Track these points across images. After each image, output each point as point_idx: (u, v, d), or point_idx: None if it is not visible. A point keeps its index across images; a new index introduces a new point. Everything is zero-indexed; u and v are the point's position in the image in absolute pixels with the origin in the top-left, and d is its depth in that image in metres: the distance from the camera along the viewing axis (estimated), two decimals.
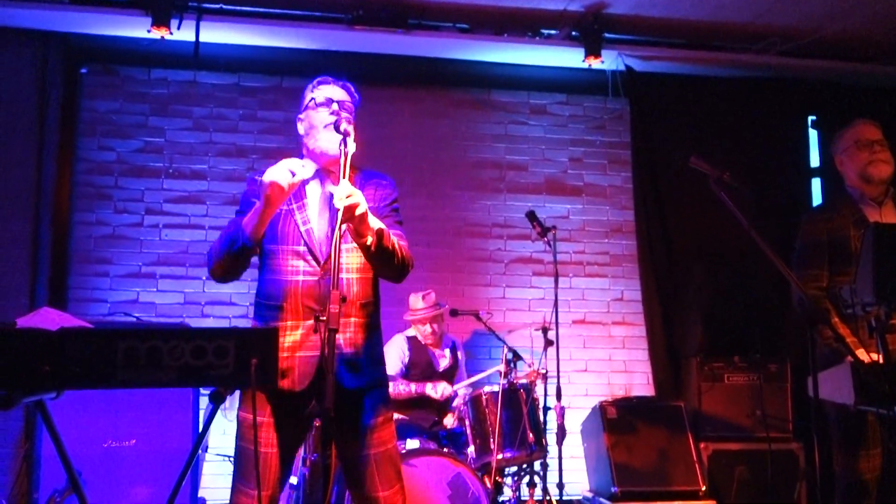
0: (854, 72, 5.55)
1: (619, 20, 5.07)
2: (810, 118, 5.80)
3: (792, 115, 5.74)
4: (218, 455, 4.50)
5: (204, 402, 4.28)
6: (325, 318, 2.04)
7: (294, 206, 2.44)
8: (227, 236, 2.38)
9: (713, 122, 5.57)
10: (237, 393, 4.31)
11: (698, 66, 5.52)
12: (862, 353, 2.82)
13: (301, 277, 2.39)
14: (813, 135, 5.79)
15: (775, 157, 5.61)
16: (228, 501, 2.45)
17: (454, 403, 4.56)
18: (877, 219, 3.10)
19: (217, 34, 4.95)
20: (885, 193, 3.21)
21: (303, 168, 2.32)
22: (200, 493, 4.45)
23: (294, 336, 2.36)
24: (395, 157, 5.28)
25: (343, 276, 2.41)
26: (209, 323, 5.11)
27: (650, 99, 5.54)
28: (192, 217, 5.22)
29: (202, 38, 4.89)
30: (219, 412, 4.81)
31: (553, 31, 5.19)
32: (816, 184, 5.73)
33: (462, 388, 4.68)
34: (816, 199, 5.70)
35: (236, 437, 2.46)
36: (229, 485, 4.55)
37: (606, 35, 5.14)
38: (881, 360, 2.54)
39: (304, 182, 2.42)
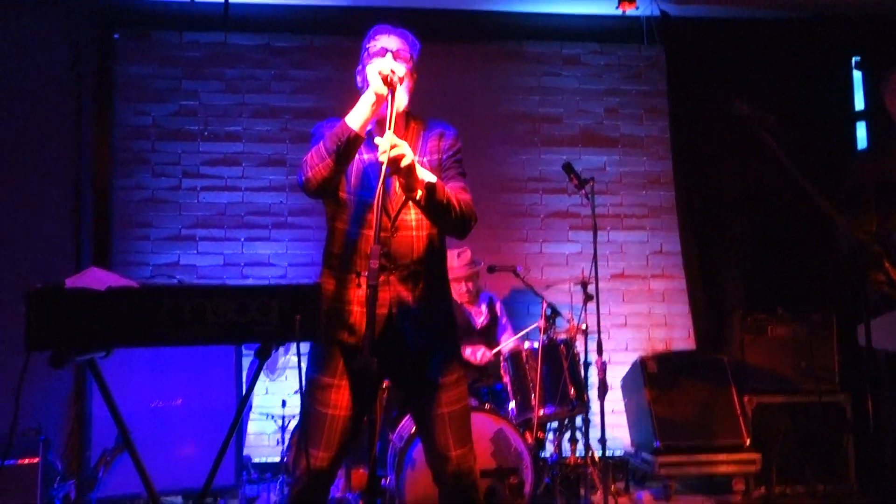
0: None
1: None
2: (854, 59, 5.58)
3: (835, 56, 5.54)
4: (261, 414, 4.58)
5: (246, 362, 4.34)
6: (366, 273, 2.02)
7: (367, 156, 2.38)
8: (328, 138, 2.27)
9: (752, 66, 5.39)
10: (279, 354, 4.38)
11: (735, 9, 5.34)
12: None
13: (372, 230, 2.30)
14: (857, 76, 5.59)
15: (818, 100, 5.43)
16: (293, 458, 2.43)
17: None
18: None
19: None
20: None
21: (368, 131, 2.29)
22: (245, 452, 4.54)
23: (362, 290, 2.31)
24: (425, 113, 5.20)
25: (413, 233, 2.37)
26: (248, 283, 5.16)
27: (686, 45, 5.39)
28: (228, 179, 5.25)
29: None
30: (262, 372, 4.90)
31: None
32: (861, 128, 5.54)
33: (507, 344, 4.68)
34: (861, 143, 5.51)
35: (303, 397, 2.35)
36: (272, 443, 4.72)
37: None
38: None
39: (374, 135, 2.36)
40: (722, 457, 4.45)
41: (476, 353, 4.52)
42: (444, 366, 2.40)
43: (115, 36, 5.18)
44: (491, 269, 4.59)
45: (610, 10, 5.12)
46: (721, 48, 5.41)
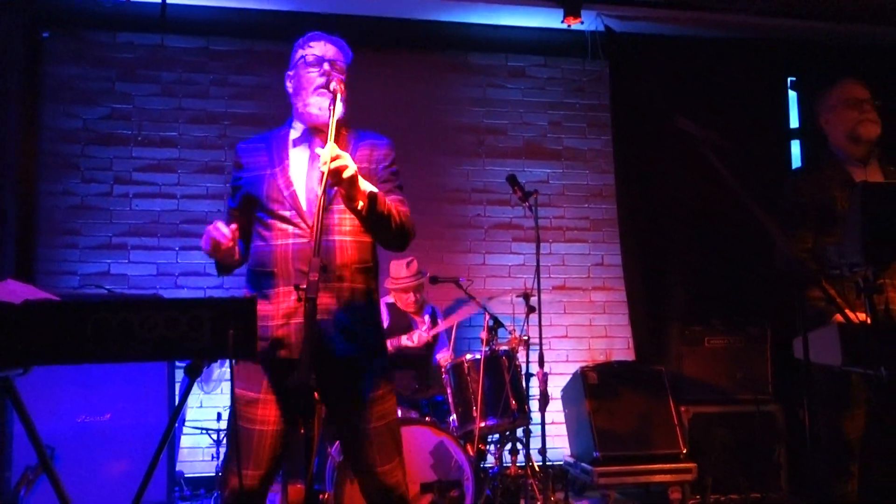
0: (833, 32, 5.50)
1: None
2: (789, 79, 5.75)
3: (771, 77, 5.69)
4: (195, 428, 4.43)
5: (180, 374, 4.20)
6: (304, 287, 1.95)
7: (277, 168, 2.34)
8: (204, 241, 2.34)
9: (693, 83, 5.50)
10: (214, 366, 4.25)
11: (677, 27, 5.44)
12: (850, 314, 2.79)
13: (291, 241, 2.28)
14: (792, 96, 5.75)
15: (755, 118, 5.56)
16: (222, 478, 2.36)
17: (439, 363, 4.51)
18: (863, 178, 3.06)
19: None
20: (869, 154, 3.16)
21: (298, 139, 2.33)
22: (178, 467, 4.39)
23: (288, 302, 2.26)
24: (370, 122, 5.09)
25: (337, 238, 2.32)
26: (183, 294, 5.01)
27: (629, 60, 5.46)
28: (163, 186, 5.09)
29: (169, 0, 4.73)
30: (195, 385, 4.74)
31: None
32: (795, 146, 5.70)
33: (440, 352, 4.65)
34: (796, 161, 5.67)
35: (230, 414, 2.33)
36: (206, 458, 4.58)
37: None
38: (868, 321, 2.51)
39: (291, 143, 2.37)
40: (659, 466, 4.47)
41: (413, 336, 4.47)
42: (372, 379, 2.34)
43: (45, 35, 4.98)
44: (434, 280, 4.55)
45: (555, 23, 5.16)
46: (663, 64, 5.50)
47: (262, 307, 2.28)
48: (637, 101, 5.43)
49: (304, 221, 2.29)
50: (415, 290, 4.63)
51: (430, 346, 4.67)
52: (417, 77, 5.45)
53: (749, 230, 4.98)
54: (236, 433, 2.27)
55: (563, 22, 5.04)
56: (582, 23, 5.08)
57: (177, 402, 4.30)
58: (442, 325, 4.61)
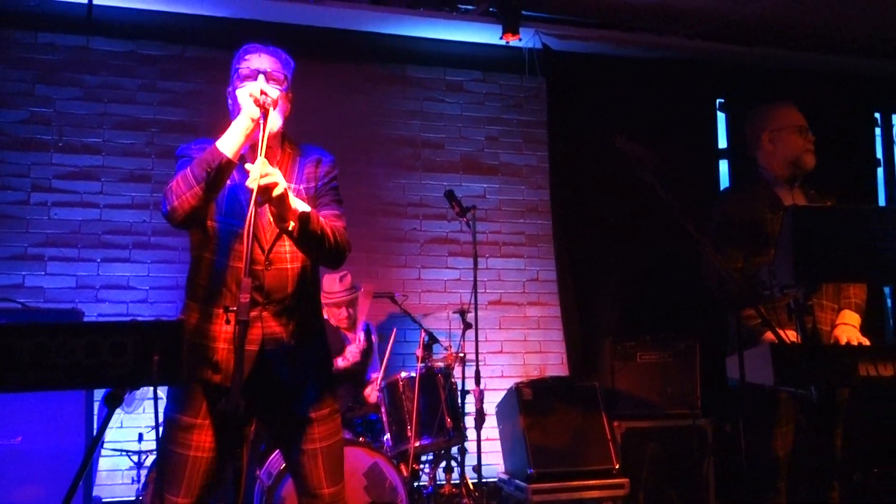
0: (758, 55, 5.67)
1: None
2: (718, 101, 5.89)
3: (701, 98, 5.82)
4: (115, 450, 4.24)
5: (100, 393, 4.01)
6: (234, 308, 1.87)
7: (238, 182, 2.23)
8: (196, 164, 2.11)
9: (627, 102, 5.57)
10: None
11: (613, 47, 5.52)
12: (782, 334, 2.84)
13: (241, 263, 2.15)
14: (721, 117, 5.89)
15: (685, 138, 5.67)
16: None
17: (371, 384, 4.44)
18: (790, 202, 3.13)
19: None
20: (797, 177, 3.24)
21: (241, 156, 2.15)
22: (95, 492, 4.19)
23: (229, 326, 2.16)
24: (306, 134, 4.96)
25: (289, 266, 2.24)
26: (104, 308, 4.79)
27: (566, 78, 5.51)
28: (85, 195, 4.87)
29: (96, 1, 4.55)
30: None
31: (470, 7, 5.09)
32: (724, 166, 5.84)
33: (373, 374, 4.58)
34: (724, 180, 5.81)
35: (162, 438, 2.22)
36: (126, 481, 4.39)
37: (524, 12, 5.06)
38: (799, 341, 2.56)
39: (246, 160, 2.22)
40: (592, 482, 4.48)
41: (346, 355, 4.40)
42: (317, 400, 2.29)
43: None
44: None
45: (494, 39, 5.17)
46: (599, 83, 5.56)
47: (205, 326, 2.19)
48: (573, 119, 5.48)
49: (260, 244, 2.21)
50: (347, 305, 4.55)
51: (365, 364, 4.58)
52: (355, 88, 5.38)
53: (679, 247, 5.06)
54: (168, 458, 2.18)
55: (501, 38, 5.04)
56: (520, 40, 5.09)
57: (95, 424, 4.11)
58: (379, 362, 4.50)
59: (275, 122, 2.17)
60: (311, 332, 2.32)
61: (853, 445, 3.30)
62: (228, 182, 2.19)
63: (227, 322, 2.12)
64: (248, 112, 2.11)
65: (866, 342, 2.94)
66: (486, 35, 5.22)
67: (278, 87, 2.28)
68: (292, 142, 2.40)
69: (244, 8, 4.82)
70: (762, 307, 2.94)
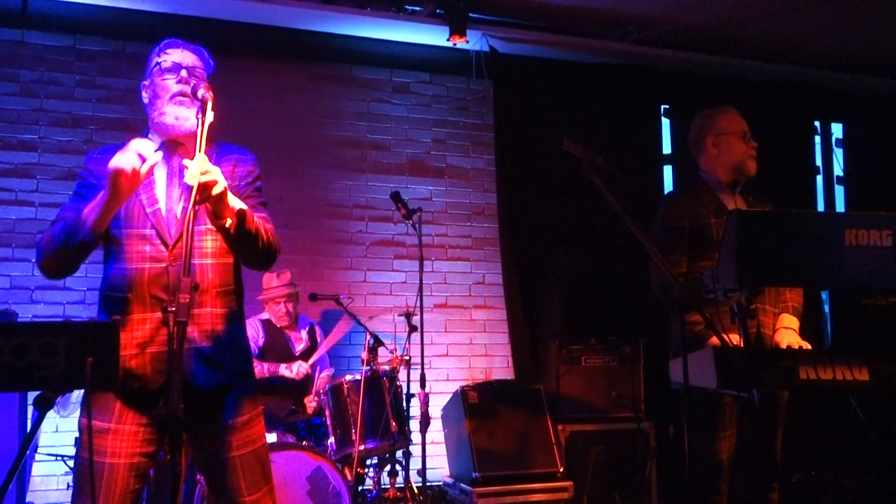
0: (703, 63, 5.79)
1: (484, 0, 5.00)
2: (663, 107, 5.99)
3: (646, 103, 5.91)
4: (49, 455, 4.10)
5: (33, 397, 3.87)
6: (173, 308, 1.81)
7: (143, 186, 2.14)
8: (63, 228, 2.07)
9: (573, 106, 5.63)
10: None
11: (560, 51, 5.57)
12: (725, 338, 2.88)
13: (147, 265, 2.11)
14: (665, 123, 5.98)
15: (630, 142, 5.74)
16: None
17: (315, 385, 4.39)
18: (733, 206, 3.17)
19: None
20: (738, 182, 3.29)
21: (155, 152, 2.05)
22: (29, 498, 4.05)
23: (143, 330, 2.09)
24: (250, 133, 4.97)
25: (196, 261, 2.16)
26: (39, 310, 4.63)
27: (513, 81, 5.53)
28: (20, 192, 4.71)
29: None
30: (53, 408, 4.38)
31: (417, 8, 5.08)
32: (668, 171, 5.94)
33: (323, 373, 4.54)
34: (668, 185, 5.90)
35: (77, 447, 2.14)
36: (62, 486, 4.24)
37: (471, 15, 5.07)
38: (742, 345, 2.59)
39: (167, 157, 2.18)
40: (537, 485, 4.50)
41: (292, 367, 4.36)
42: (235, 405, 2.21)
43: None
44: (313, 298, 4.42)
45: (441, 41, 5.16)
46: (546, 86, 5.60)
47: None
48: (520, 122, 5.51)
49: (164, 242, 2.14)
50: (286, 301, 4.51)
51: (308, 375, 4.53)
52: (300, 88, 5.31)
53: (625, 250, 5.15)
54: (82, 468, 2.08)
55: (448, 40, 5.04)
56: (467, 42, 5.10)
57: (27, 433, 3.96)
58: (321, 349, 4.50)
59: (211, 115, 2.08)
60: (231, 333, 2.23)
61: (792, 447, 3.36)
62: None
63: (166, 324, 2.04)
64: (111, 184, 1.98)
65: (807, 345, 2.99)
66: (433, 37, 5.22)
67: (201, 82, 2.15)
68: (209, 139, 2.33)
69: (187, 4, 4.72)
70: (706, 311, 2.99)
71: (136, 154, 1.98)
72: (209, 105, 2.03)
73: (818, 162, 6.37)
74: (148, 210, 2.15)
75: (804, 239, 2.44)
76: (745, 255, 2.43)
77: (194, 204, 1.89)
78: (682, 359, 2.40)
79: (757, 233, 2.45)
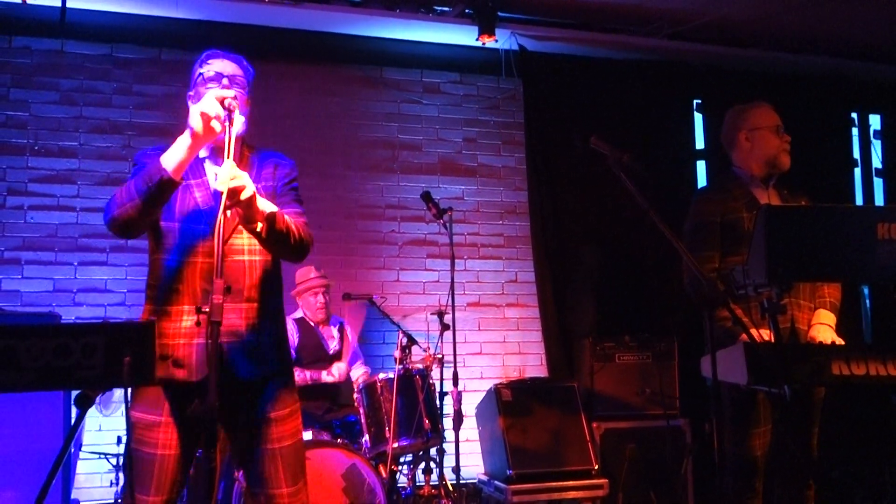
0: (735, 57, 5.72)
1: None
2: (695, 101, 5.93)
3: (678, 99, 5.86)
4: (93, 453, 4.20)
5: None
6: (207, 308, 1.87)
7: (193, 181, 2.26)
8: (140, 176, 2.13)
9: (604, 103, 5.61)
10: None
11: (589, 48, 5.55)
12: (755, 334, 2.86)
13: (200, 258, 2.20)
14: (698, 118, 5.93)
15: (662, 138, 5.71)
16: None
17: (356, 382, 4.44)
18: (766, 201, 3.15)
19: (86, 0, 4.59)
20: (772, 177, 3.26)
21: (204, 158, 2.15)
22: (74, 495, 4.14)
23: (191, 322, 2.17)
24: (282, 136, 5.05)
25: (246, 258, 2.26)
26: (82, 312, 4.76)
27: (543, 79, 5.53)
28: (62, 198, 4.84)
29: (70, 4, 4.53)
30: (93, 406, 4.49)
31: (447, 9, 5.10)
32: (701, 166, 5.89)
33: (359, 369, 4.60)
34: (701, 180, 5.85)
35: (128, 439, 2.24)
36: (105, 484, 4.35)
37: (500, 14, 5.09)
38: (773, 340, 2.58)
39: (201, 160, 2.28)
40: (571, 483, 4.50)
41: (332, 371, 4.40)
42: (276, 398, 2.29)
43: None
44: (346, 297, 4.48)
45: (470, 41, 5.18)
46: (576, 84, 5.59)
47: (163, 324, 2.20)
48: (550, 120, 5.50)
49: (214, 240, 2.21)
50: (324, 292, 4.57)
51: (343, 359, 4.59)
52: (331, 91, 5.38)
53: (657, 247, 5.13)
54: (135, 458, 2.18)
55: (477, 40, 5.06)
56: (496, 41, 5.12)
57: (69, 431, 4.06)
58: (352, 344, 4.55)
59: (239, 123, 2.17)
60: (272, 326, 2.32)
61: (830, 443, 3.32)
62: (185, 181, 2.21)
63: (199, 324, 2.11)
64: (194, 126, 2.12)
65: (841, 341, 2.96)
66: (462, 37, 5.24)
67: (240, 90, 2.29)
68: (251, 147, 2.42)
69: (220, 11, 4.80)
70: (736, 306, 2.97)
71: (216, 100, 2.11)
72: (236, 112, 2.12)
73: (856, 154, 6.25)
74: (203, 209, 2.23)
75: (835, 233, 2.42)
76: (774, 250, 2.41)
77: (225, 209, 1.97)
78: (711, 355, 2.39)
79: (786, 227, 2.43)
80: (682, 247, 2.48)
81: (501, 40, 5.22)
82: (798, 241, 2.43)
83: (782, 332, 2.96)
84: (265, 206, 2.15)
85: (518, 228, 5.64)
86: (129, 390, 2.05)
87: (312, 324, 4.60)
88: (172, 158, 2.12)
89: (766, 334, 2.63)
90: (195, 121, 2.11)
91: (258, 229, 2.12)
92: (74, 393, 1.65)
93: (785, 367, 2.39)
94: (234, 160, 2.07)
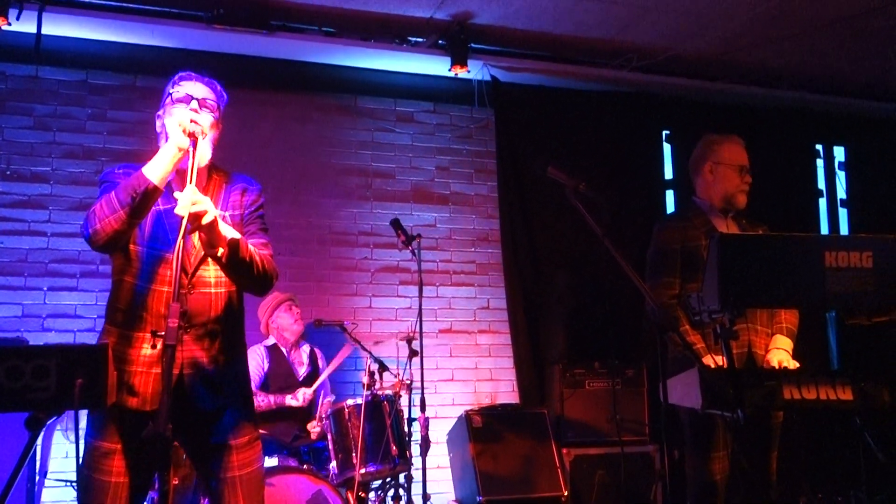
0: (703, 89, 5.85)
1: (484, 31, 5.11)
2: (664, 132, 6.05)
3: (647, 129, 5.97)
4: (59, 481, 4.17)
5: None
6: (163, 333, 1.89)
7: (162, 208, 2.26)
8: (121, 189, 2.12)
9: (574, 133, 5.71)
10: (82, 413, 4.02)
11: (560, 79, 5.66)
12: (708, 359, 2.92)
13: (166, 287, 2.21)
14: (667, 148, 6.04)
15: (632, 168, 5.81)
16: None
17: (319, 410, 4.44)
18: (724, 230, 3.22)
19: (62, 27, 4.65)
20: (730, 210, 3.34)
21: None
22: None
23: (149, 350, 2.18)
24: (258, 163, 5.09)
25: (213, 290, 2.28)
26: (50, 337, 4.73)
27: (514, 109, 5.63)
28: (32, 223, 4.83)
29: (45, 31, 4.57)
30: (58, 431, 4.47)
31: (420, 39, 5.19)
32: (670, 195, 5.98)
33: (326, 399, 4.59)
34: (670, 209, 5.93)
35: (82, 465, 2.21)
36: None
37: (472, 45, 5.18)
38: (725, 366, 2.63)
39: (173, 187, 2.27)
40: None
41: (297, 395, 4.39)
42: (235, 426, 2.30)
43: None
44: (318, 324, 4.49)
45: (443, 71, 5.27)
46: (547, 114, 5.69)
47: (125, 350, 2.20)
48: (522, 149, 5.59)
49: (184, 270, 2.23)
50: (294, 304, 4.62)
51: (312, 385, 4.59)
52: (306, 118, 5.44)
53: (628, 276, 5.18)
54: (89, 486, 2.17)
55: (450, 70, 5.15)
56: (469, 72, 5.21)
57: (40, 453, 4.04)
58: (324, 374, 4.55)
59: (204, 151, 2.21)
60: (233, 358, 2.33)
61: (798, 469, 3.37)
62: (153, 207, 2.22)
63: (154, 347, 2.13)
64: (175, 140, 2.14)
65: (796, 365, 3.03)
66: (435, 67, 5.33)
67: (211, 114, 2.31)
68: (220, 169, 2.43)
69: (196, 39, 4.87)
70: (693, 332, 3.04)
71: (188, 117, 2.16)
72: (202, 139, 2.15)
73: (821, 185, 6.38)
74: (171, 236, 2.23)
75: (785, 261, 2.48)
76: (727, 277, 2.47)
77: (185, 233, 1.99)
78: (661, 379, 2.44)
79: (739, 256, 2.49)
80: (634, 274, 2.54)
81: (474, 71, 5.31)
82: (750, 268, 2.49)
83: (739, 356, 3.02)
84: (228, 231, 2.17)
85: (490, 256, 5.70)
86: (86, 413, 2.06)
87: (284, 350, 4.61)
88: (156, 169, 2.14)
89: (720, 360, 2.69)
90: (175, 133, 2.13)
91: (219, 255, 2.13)
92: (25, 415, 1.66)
93: (737, 391, 2.44)
94: (199, 186, 2.09)
